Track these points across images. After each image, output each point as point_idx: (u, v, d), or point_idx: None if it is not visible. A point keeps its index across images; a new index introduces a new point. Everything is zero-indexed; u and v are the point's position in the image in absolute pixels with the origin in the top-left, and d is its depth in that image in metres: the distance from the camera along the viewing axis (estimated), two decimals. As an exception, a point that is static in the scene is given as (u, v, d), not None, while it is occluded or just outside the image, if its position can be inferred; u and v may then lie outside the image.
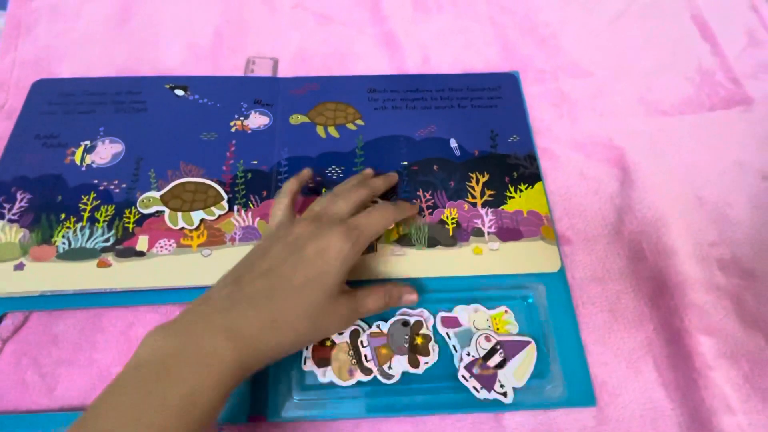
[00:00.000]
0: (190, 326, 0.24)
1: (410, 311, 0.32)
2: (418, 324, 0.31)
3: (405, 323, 0.31)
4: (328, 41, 0.46)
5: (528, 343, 0.31)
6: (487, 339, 0.31)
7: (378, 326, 0.31)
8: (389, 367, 0.30)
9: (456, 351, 0.31)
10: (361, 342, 0.31)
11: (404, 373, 0.30)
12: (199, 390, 0.22)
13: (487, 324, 0.32)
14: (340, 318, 0.28)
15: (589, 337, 0.33)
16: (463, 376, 0.30)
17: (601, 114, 0.42)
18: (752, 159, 0.40)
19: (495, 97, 0.42)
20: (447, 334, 0.32)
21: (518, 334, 0.31)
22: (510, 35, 0.47)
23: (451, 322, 0.32)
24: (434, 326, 0.32)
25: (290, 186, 0.33)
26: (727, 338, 0.32)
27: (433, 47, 0.46)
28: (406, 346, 0.30)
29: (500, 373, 0.30)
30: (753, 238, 0.36)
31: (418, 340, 0.31)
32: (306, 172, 0.35)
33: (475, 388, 0.30)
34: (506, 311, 0.32)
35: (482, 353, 0.30)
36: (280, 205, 0.32)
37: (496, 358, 0.30)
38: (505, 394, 0.29)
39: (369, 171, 0.36)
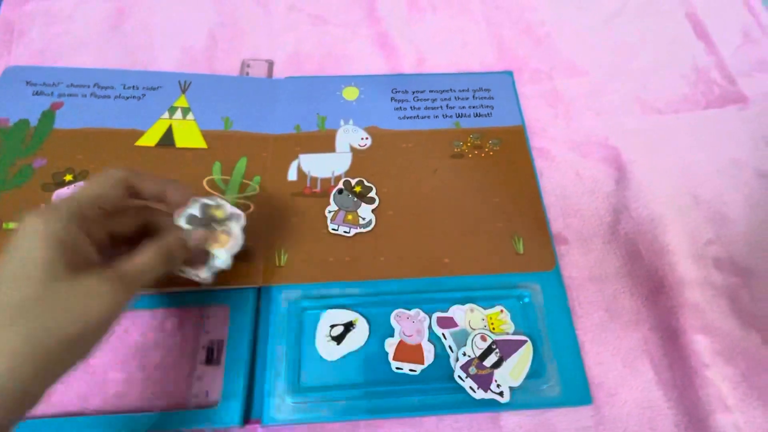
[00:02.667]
0: None
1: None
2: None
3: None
4: (324, 43, 0.46)
5: (524, 342, 0.31)
6: (483, 338, 0.31)
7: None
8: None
9: (452, 351, 0.31)
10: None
11: (402, 374, 0.30)
12: None
13: (483, 324, 0.32)
14: (98, 297, 0.23)
15: (586, 337, 0.33)
16: (459, 377, 0.30)
17: (596, 113, 0.42)
18: (747, 157, 0.40)
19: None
20: (443, 334, 0.32)
21: (514, 333, 0.31)
22: (505, 35, 0.47)
23: (447, 323, 0.32)
24: (430, 327, 0.32)
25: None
26: (723, 337, 0.32)
27: (429, 48, 0.46)
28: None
29: (496, 372, 0.30)
30: (749, 236, 0.36)
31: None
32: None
33: (471, 388, 0.30)
34: (502, 311, 0.32)
35: (478, 353, 0.30)
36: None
37: (492, 358, 0.30)
38: (501, 394, 0.29)
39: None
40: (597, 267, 0.35)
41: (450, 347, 0.31)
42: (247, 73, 0.43)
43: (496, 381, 0.30)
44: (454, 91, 0.42)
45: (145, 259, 0.25)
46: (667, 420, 0.30)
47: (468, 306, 0.32)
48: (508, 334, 0.31)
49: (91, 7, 0.47)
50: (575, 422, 0.30)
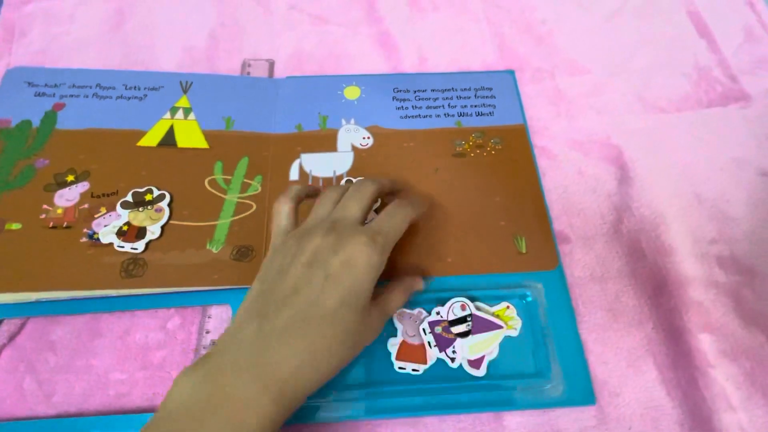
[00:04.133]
0: (220, 373, 0.22)
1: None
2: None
3: None
4: (324, 42, 0.46)
5: (499, 327, 0.31)
6: (463, 307, 0.31)
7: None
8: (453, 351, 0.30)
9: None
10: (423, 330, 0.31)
11: (404, 374, 0.30)
12: None
13: None
14: (374, 331, 0.27)
15: (589, 337, 0.33)
16: (423, 329, 0.30)
17: (598, 112, 0.42)
18: (750, 155, 0.39)
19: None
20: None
21: (494, 315, 0.32)
22: (506, 34, 0.47)
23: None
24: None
25: (297, 191, 0.30)
26: (727, 336, 0.31)
27: (430, 47, 0.46)
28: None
29: (459, 340, 0.30)
30: (752, 234, 0.36)
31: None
32: (319, 187, 0.32)
33: (429, 342, 0.30)
34: (508, 307, 0.32)
35: (451, 317, 0.31)
36: (285, 209, 0.29)
37: (462, 328, 0.31)
38: (453, 360, 0.30)
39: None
40: (599, 266, 0.35)
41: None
42: (248, 73, 0.43)
43: (453, 347, 0.30)
44: (456, 90, 0.42)
45: (398, 301, 0.29)
46: (671, 419, 0.30)
47: (474, 304, 0.32)
48: (488, 313, 0.31)
49: (91, 7, 0.47)
50: (579, 422, 0.30)
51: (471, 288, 0.33)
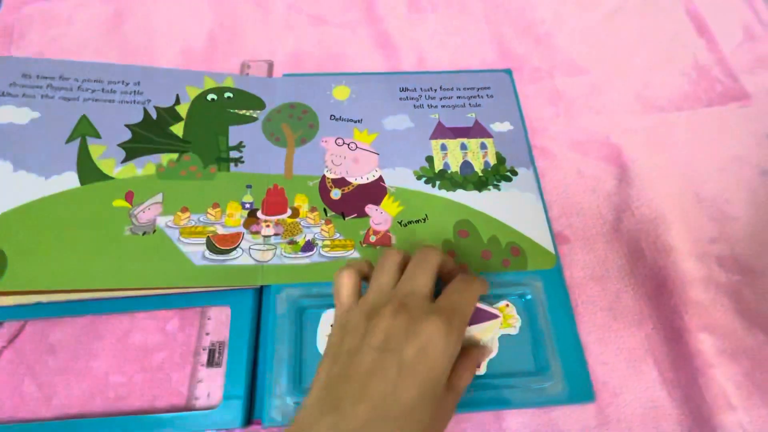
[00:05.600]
0: None
1: None
2: None
3: None
4: (323, 43, 0.46)
5: (495, 316, 0.31)
6: None
7: None
8: None
9: None
10: None
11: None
12: None
13: None
14: (448, 418, 0.25)
15: (589, 337, 0.33)
16: None
17: (597, 111, 0.42)
18: (750, 154, 0.39)
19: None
20: None
21: (488, 304, 0.31)
22: (505, 34, 0.47)
23: None
24: None
25: (362, 266, 0.28)
26: (727, 335, 0.31)
27: (429, 47, 0.46)
28: None
29: None
30: (752, 234, 0.36)
31: None
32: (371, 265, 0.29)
33: None
34: (507, 305, 0.32)
35: None
36: (349, 282, 0.27)
37: None
38: None
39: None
40: (599, 266, 0.35)
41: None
42: (247, 74, 0.43)
43: None
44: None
45: (467, 379, 0.27)
46: (671, 419, 0.30)
47: None
48: (485, 303, 0.31)
49: (90, 9, 0.46)
50: (579, 422, 0.30)
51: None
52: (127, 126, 0.38)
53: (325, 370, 0.24)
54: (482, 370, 0.30)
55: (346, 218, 0.35)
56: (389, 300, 0.25)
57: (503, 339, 0.31)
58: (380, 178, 0.37)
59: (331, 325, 0.31)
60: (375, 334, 0.24)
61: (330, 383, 0.23)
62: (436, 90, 0.42)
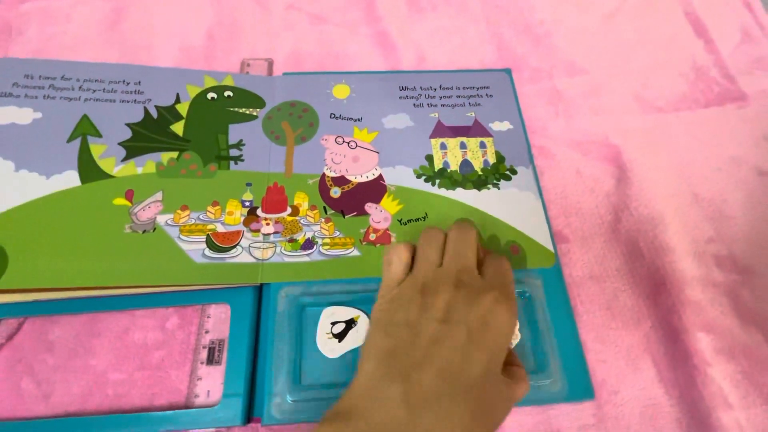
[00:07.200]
0: None
1: None
2: None
3: None
4: (323, 42, 0.46)
5: None
6: None
7: None
8: None
9: None
10: None
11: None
12: None
13: None
14: (507, 408, 0.24)
15: (588, 336, 0.33)
16: None
17: (596, 112, 0.42)
18: (748, 155, 0.40)
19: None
20: None
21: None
22: (504, 34, 0.47)
23: None
24: None
25: (410, 244, 0.28)
26: (724, 334, 0.32)
27: (428, 47, 0.46)
28: None
29: None
30: (749, 234, 0.36)
31: None
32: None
33: None
34: None
35: None
36: (404, 256, 0.27)
37: None
38: None
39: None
40: (598, 265, 0.35)
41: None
42: (247, 72, 0.43)
43: None
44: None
45: (526, 386, 0.26)
46: (669, 418, 0.30)
47: None
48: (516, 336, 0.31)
49: (88, 6, 0.46)
50: (577, 420, 0.30)
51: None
52: (128, 125, 0.38)
53: (376, 343, 0.24)
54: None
55: (346, 216, 0.35)
56: (446, 275, 0.25)
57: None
58: (380, 177, 0.37)
59: (331, 323, 0.31)
60: (436, 307, 0.24)
61: (392, 353, 0.23)
62: (435, 89, 0.42)
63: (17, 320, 0.32)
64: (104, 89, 0.39)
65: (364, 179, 0.37)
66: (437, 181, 0.37)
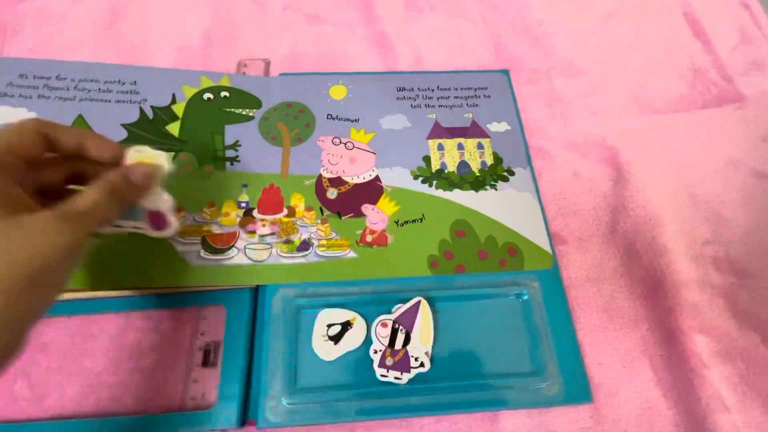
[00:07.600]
0: None
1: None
2: None
3: None
4: (320, 42, 0.46)
5: (418, 302, 0.31)
6: (384, 325, 0.31)
7: None
8: None
9: None
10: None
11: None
12: None
13: None
14: (45, 239, 0.21)
15: (585, 338, 0.33)
16: (381, 375, 0.30)
17: (594, 113, 0.42)
18: (745, 157, 0.40)
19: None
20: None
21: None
22: (502, 35, 0.47)
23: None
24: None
25: None
26: (721, 337, 0.31)
27: (426, 47, 0.46)
28: None
29: (409, 348, 0.30)
30: (746, 236, 0.36)
31: None
32: None
33: (396, 378, 0.30)
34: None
35: (386, 342, 0.30)
36: None
37: (401, 338, 0.30)
38: (423, 365, 0.30)
39: None
40: (595, 267, 0.35)
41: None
42: (244, 73, 0.43)
43: (412, 356, 0.30)
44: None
45: (89, 197, 0.24)
46: (666, 420, 0.30)
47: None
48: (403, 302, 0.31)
49: (85, 6, 0.46)
50: (574, 423, 0.30)
51: (467, 287, 0.33)
52: (123, 125, 0.37)
53: None
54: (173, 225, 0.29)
55: (343, 218, 0.35)
56: None
57: (501, 338, 0.31)
58: (377, 178, 0.37)
59: (327, 325, 0.31)
60: None
61: None
62: (433, 90, 0.42)
63: (11, 322, 0.32)
64: (99, 89, 0.39)
65: (360, 180, 0.37)
66: (434, 182, 0.37)
